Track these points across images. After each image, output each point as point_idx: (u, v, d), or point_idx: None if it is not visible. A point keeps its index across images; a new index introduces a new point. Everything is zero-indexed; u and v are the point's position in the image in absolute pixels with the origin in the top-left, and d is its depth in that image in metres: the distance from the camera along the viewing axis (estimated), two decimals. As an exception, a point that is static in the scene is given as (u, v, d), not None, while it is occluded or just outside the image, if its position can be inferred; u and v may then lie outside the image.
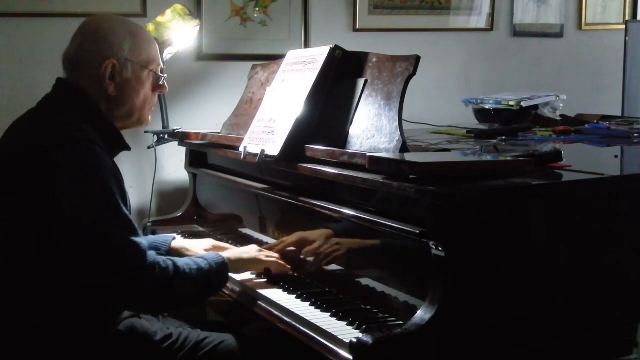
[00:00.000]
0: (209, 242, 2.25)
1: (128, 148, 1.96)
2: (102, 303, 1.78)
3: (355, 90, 2.08)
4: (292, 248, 2.12)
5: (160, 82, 1.99)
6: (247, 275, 2.12)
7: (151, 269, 1.74)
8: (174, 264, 1.79)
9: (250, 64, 2.79)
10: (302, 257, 2.08)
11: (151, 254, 1.77)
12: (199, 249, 2.20)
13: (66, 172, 1.70)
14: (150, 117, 2.02)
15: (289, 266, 2.09)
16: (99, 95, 1.88)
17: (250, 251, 2.10)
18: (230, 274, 1.98)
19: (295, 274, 2.09)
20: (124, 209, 1.75)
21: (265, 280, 2.07)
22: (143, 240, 1.77)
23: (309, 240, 2.06)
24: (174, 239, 2.27)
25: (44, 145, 1.73)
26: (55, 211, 1.70)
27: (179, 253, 2.18)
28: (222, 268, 1.92)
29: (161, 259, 1.78)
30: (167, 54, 2.90)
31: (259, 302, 1.94)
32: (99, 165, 1.74)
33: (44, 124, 1.81)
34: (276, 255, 2.12)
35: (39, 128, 1.81)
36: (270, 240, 2.30)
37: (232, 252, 2.09)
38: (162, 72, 2.00)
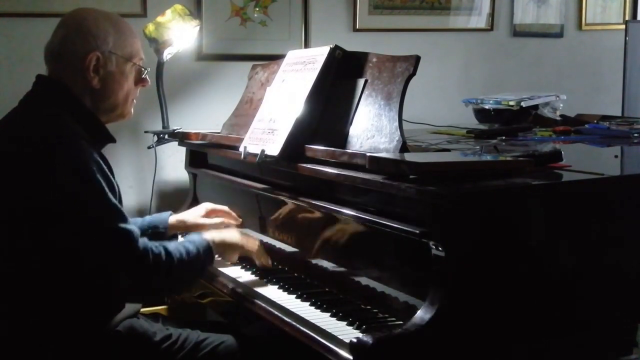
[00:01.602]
0: (204, 207, 2.30)
1: (113, 140, 1.97)
2: (103, 298, 1.79)
3: (355, 90, 2.08)
4: (293, 249, 2.12)
5: (143, 76, 1.99)
6: (247, 275, 2.12)
7: (144, 255, 1.75)
8: (165, 249, 1.82)
9: (250, 64, 2.79)
10: (302, 256, 2.08)
11: (143, 241, 1.78)
12: (196, 217, 2.26)
13: (51, 168, 1.71)
14: (132, 111, 2.02)
15: (269, 261, 2.13)
16: (82, 88, 1.88)
17: (232, 236, 2.12)
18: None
19: (295, 274, 2.09)
20: (112, 198, 1.76)
21: (264, 280, 2.07)
22: (134, 228, 1.78)
23: (310, 240, 2.05)
24: (170, 214, 2.31)
25: (28, 143, 1.73)
26: (44, 206, 1.70)
27: (178, 227, 2.26)
28: (208, 252, 1.96)
29: (153, 244, 1.80)
30: (167, 54, 2.90)
31: (259, 302, 1.94)
32: (83, 159, 1.74)
33: (27, 122, 1.81)
34: (257, 242, 2.14)
35: (21, 126, 1.81)
36: (270, 240, 2.30)
37: (217, 234, 2.08)
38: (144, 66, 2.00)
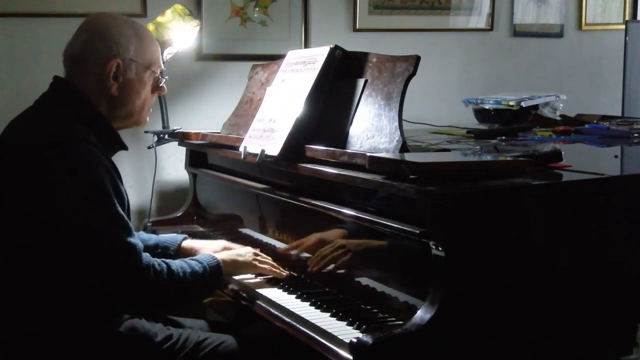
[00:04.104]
0: (220, 244, 2.20)
1: (125, 147, 1.96)
2: (97, 302, 1.78)
3: (355, 90, 2.08)
4: (294, 250, 2.12)
5: (160, 84, 1.99)
6: (246, 275, 2.11)
7: (145, 271, 1.74)
8: (168, 267, 1.80)
9: (250, 64, 2.79)
10: (302, 258, 2.08)
11: (146, 256, 1.77)
12: (209, 251, 2.14)
13: (61, 172, 1.70)
14: (148, 118, 2.02)
15: (283, 273, 2.08)
16: (100, 94, 1.88)
17: (245, 254, 2.08)
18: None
19: (295, 274, 2.09)
20: (119, 209, 1.75)
21: (264, 280, 2.07)
22: (138, 242, 1.77)
23: (310, 240, 2.05)
24: (185, 238, 2.24)
25: (39, 145, 1.73)
26: (50, 211, 1.69)
27: (188, 254, 2.14)
28: (217, 271, 1.93)
29: (156, 261, 1.79)
30: (167, 54, 2.90)
31: (259, 302, 1.94)
32: (93, 165, 1.74)
33: (40, 123, 1.81)
34: (270, 260, 2.11)
35: (34, 127, 1.81)
36: (270, 240, 2.30)
37: (228, 254, 2.07)
38: (162, 73, 2.00)
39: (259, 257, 2.09)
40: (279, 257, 2.18)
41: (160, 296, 1.79)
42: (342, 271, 1.94)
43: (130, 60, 1.89)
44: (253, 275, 2.11)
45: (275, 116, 2.21)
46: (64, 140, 1.74)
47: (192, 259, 1.92)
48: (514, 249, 1.67)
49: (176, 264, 1.84)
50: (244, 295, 2.02)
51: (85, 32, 1.90)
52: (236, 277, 2.09)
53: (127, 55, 1.88)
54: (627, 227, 1.85)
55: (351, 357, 1.53)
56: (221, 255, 2.00)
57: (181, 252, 2.15)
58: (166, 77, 2.02)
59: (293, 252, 2.11)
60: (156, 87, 1.98)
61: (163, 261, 1.81)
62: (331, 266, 1.96)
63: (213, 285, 1.94)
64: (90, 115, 1.85)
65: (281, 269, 2.10)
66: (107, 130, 1.89)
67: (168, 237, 2.25)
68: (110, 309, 1.84)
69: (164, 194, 3.22)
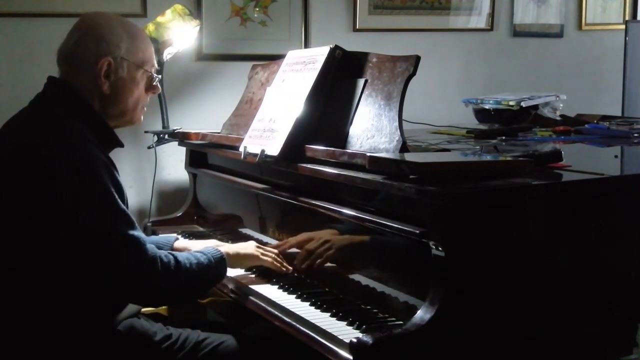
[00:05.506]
0: (212, 244, 2.21)
1: (121, 144, 1.96)
2: (104, 298, 1.78)
3: (355, 90, 2.08)
4: (294, 249, 2.12)
5: (154, 83, 1.99)
6: (246, 275, 2.11)
7: (152, 263, 1.74)
8: (175, 258, 1.80)
9: (250, 64, 2.79)
10: (302, 256, 2.08)
11: (151, 248, 1.77)
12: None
13: (60, 170, 1.70)
14: (142, 117, 2.02)
15: (286, 267, 2.09)
16: (92, 93, 1.88)
17: (248, 247, 2.10)
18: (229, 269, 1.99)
19: (295, 274, 2.09)
20: (121, 204, 1.75)
21: (263, 278, 2.07)
22: (142, 234, 1.77)
23: (310, 240, 2.05)
24: (176, 239, 2.26)
25: (36, 144, 1.73)
26: (51, 210, 1.70)
27: None
28: (221, 263, 1.94)
29: (162, 252, 1.79)
30: (167, 54, 2.90)
31: (259, 302, 1.94)
32: (92, 161, 1.74)
33: (36, 123, 1.81)
34: (275, 252, 2.12)
35: (31, 127, 1.81)
36: (271, 240, 2.30)
37: (231, 247, 2.10)
38: (157, 72, 2.00)
39: (261, 249, 2.10)
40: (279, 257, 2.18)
41: (169, 287, 1.79)
42: (342, 271, 1.94)
43: (122, 58, 1.89)
44: (253, 275, 2.11)
45: (275, 116, 2.21)
46: (61, 139, 1.74)
47: (197, 252, 1.93)
48: (514, 249, 1.67)
49: (182, 255, 1.85)
50: (244, 295, 2.02)
51: (77, 31, 1.90)
52: (236, 277, 2.09)
53: (118, 54, 1.88)
54: (627, 227, 1.86)
55: (351, 357, 1.53)
56: (224, 248, 2.01)
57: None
58: (159, 76, 2.02)
59: (291, 249, 2.11)
60: (150, 87, 1.98)
61: (170, 253, 1.82)
62: (332, 266, 1.96)
63: (217, 277, 1.95)
64: (86, 114, 1.85)
65: (284, 262, 2.10)
66: (102, 127, 1.89)
67: (160, 238, 2.27)
68: (119, 301, 1.85)
69: (164, 194, 3.22)
